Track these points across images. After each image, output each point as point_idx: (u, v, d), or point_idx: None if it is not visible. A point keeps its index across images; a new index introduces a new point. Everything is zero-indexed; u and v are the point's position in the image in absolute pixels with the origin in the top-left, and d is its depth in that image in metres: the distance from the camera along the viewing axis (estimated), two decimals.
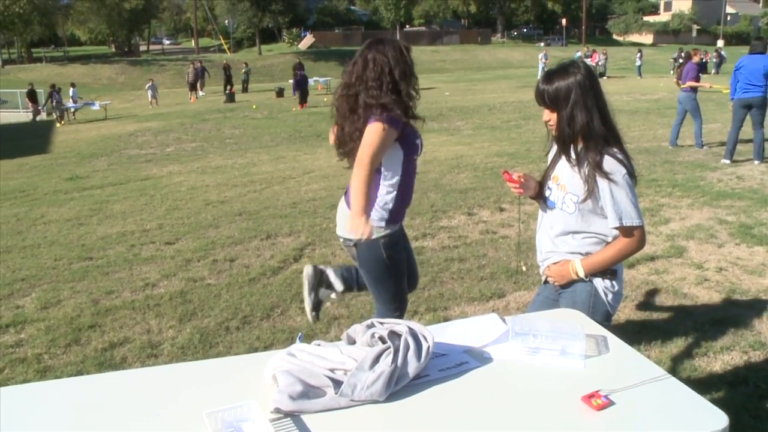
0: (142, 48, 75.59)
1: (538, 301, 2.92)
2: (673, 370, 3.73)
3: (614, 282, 2.63)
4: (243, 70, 36.12)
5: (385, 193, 3.08)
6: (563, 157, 2.61)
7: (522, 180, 2.75)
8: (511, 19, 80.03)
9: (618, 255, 2.55)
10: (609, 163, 2.45)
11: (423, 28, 75.82)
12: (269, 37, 71.41)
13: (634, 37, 77.11)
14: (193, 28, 70.47)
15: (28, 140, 19.78)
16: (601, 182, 2.46)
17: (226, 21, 69.90)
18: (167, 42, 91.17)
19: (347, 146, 3.10)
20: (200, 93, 33.22)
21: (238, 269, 5.92)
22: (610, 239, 2.58)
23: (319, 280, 3.51)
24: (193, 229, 7.51)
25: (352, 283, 3.54)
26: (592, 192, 2.49)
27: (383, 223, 3.09)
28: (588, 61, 34.28)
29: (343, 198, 3.25)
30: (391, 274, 3.20)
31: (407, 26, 76.75)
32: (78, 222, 8.24)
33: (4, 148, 17.87)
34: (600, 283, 2.62)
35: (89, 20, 65.35)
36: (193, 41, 71.29)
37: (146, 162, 13.48)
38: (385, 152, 3.00)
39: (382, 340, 2.09)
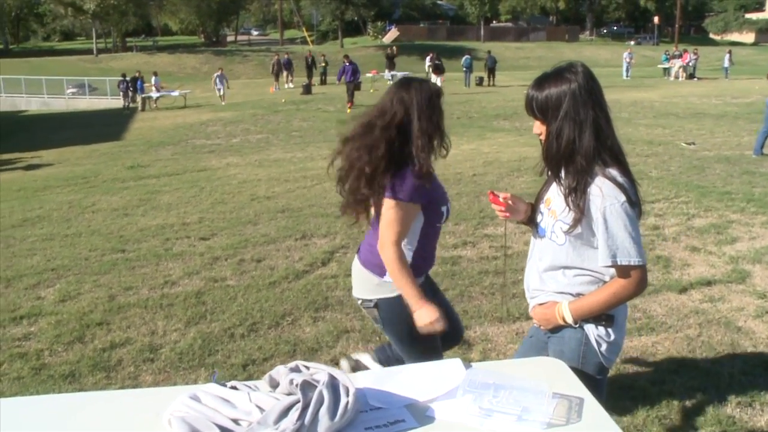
0: (230, 38, 77.32)
1: (526, 344, 2.52)
2: (705, 422, 3.24)
3: (610, 330, 2.21)
4: (321, 63, 36.26)
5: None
6: None
7: (509, 202, 2.36)
8: (601, 17, 77.47)
9: (611, 299, 2.13)
10: (605, 187, 2.04)
11: (509, 24, 74.40)
12: (354, 30, 71.67)
13: (734, 36, 73.02)
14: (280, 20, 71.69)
15: (106, 127, 20.41)
16: (594, 211, 2.06)
17: (311, 13, 70.62)
18: (255, 33, 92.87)
19: (349, 200, 2.69)
20: (289, 85, 33.43)
21: (261, 271, 5.71)
22: (607, 278, 2.17)
23: (355, 369, 3.17)
24: (232, 225, 7.37)
25: (391, 361, 3.12)
26: (578, 221, 2.09)
27: None
28: (678, 61, 32.74)
29: (357, 256, 2.86)
30: (417, 332, 2.78)
31: (493, 22, 75.53)
32: (124, 212, 8.25)
33: (83, 135, 18.47)
34: (592, 331, 2.21)
35: (180, 11, 67.36)
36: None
37: (208, 153, 13.56)
38: (410, 226, 2.63)
39: (303, 386, 1.78)
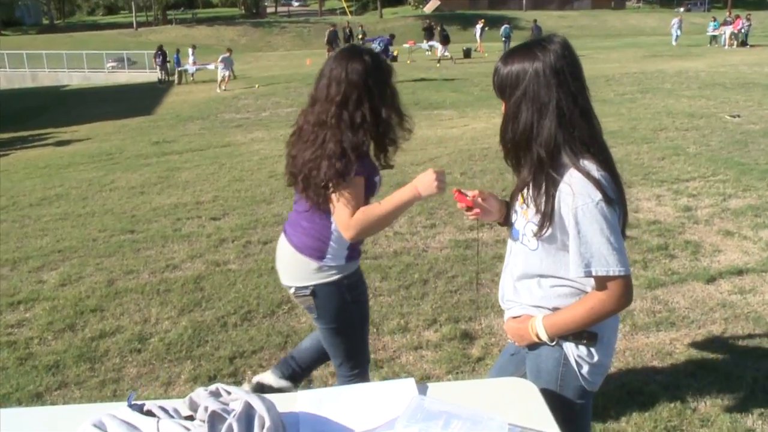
0: (270, 10, 77.10)
1: (501, 361, 2.25)
2: None
3: (592, 349, 1.90)
4: (359, 34, 35.78)
5: (335, 228, 2.44)
6: None
7: (479, 200, 2.06)
8: None
9: (589, 314, 1.81)
10: (575, 183, 1.73)
11: None
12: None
13: None
14: None
15: (140, 101, 20.44)
16: (566, 212, 1.75)
17: None
18: (296, 4, 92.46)
19: (297, 177, 2.43)
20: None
21: (266, 254, 5.51)
22: (589, 289, 1.87)
23: (262, 390, 2.88)
24: (245, 204, 7.19)
25: (297, 372, 2.95)
26: (545, 222, 1.79)
27: (342, 261, 2.49)
28: (728, 28, 31.34)
29: (283, 236, 2.62)
30: (355, 322, 2.62)
31: None
32: (140, 190, 8.15)
33: (117, 109, 18.53)
34: (571, 350, 1.91)
35: None
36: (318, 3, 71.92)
37: (236, 127, 13.42)
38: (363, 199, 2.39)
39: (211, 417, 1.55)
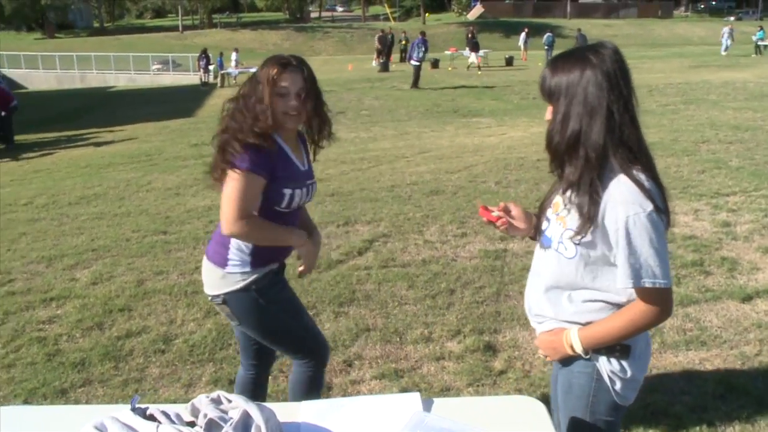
0: (314, 15, 77.77)
1: (553, 390, 2.19)
2: None
3: (625, 363, 1.86)
4: (401, 40, 35.83)
5: None
6: None
7: (508, 214, 2.06)
8: None
9: (629, 326, 1.78)
10: (627, 191, 1.70)
11: (599, 1, 71.49)
12: (439, 6, 70.78)
13: None
14: None
15: (183, 103, 20.76)
16: (614, 220, 1.72)
17: None
18: (340, 9, 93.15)
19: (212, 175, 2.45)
20: (373, 63, 33.09)
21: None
22: (623, 301, 1.83)
23: None
24: None
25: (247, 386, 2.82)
26: (588, 227, 1.76)
27: (248, 268, 2.43)
28: None
29: (206, 254, 2.56)
30: (281, 319, 2.56)
31: None
32: (176, 192, 8.26)
33: (159, 111, 18.85)
34: (605, 366, 1.87)
35: None
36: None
37: None
38: (255, 202, 2.36)
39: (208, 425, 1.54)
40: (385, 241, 5.96)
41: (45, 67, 39.77)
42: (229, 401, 1.63)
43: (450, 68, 28.30)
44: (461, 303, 4.58)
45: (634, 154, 1.75)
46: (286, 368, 3.76)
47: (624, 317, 1.79)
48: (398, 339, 4.08)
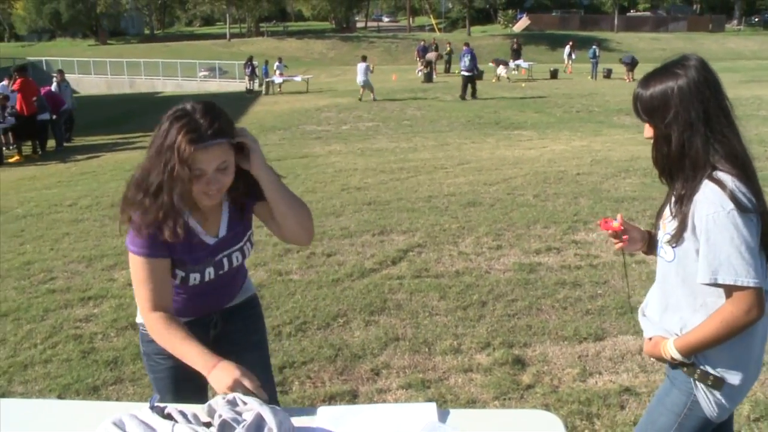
0: (360, 25, 78.36)
1: None
2: None
3: (717, 393, 1.88)
4: (445, 51, 35.86)
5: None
6: None
7: (627, 228, 2.11)
8: (753, 3, 71.46)
9: (721, 328, 1.78)
10: (709, 192, 1.75)
11: (647, 14, 70.47)
12: (485, 18, 70.67)
13: None
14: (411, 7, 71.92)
15: (226, 109, 20.60)
16: (698, 219, 1.77)
17: (440, 0, 70.28)
18: (386, 20, 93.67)
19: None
20: (418, 73, 33.15)
21: (328, 266, 5.55)
22: (719, 304, 1.85)
23: None
24: (315, 216, 7.17)
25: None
26: (680, 229, 1.82)
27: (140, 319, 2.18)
28: None
29: None
30: (151, 374, 2.29)
31: (631, 11, 71.91)
32: None
33: None
34: (702, 391, 1.90)
35: None
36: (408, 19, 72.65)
37: (315, 139, 13.64)
38: (166, 283, 2.00)
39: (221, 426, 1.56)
40: (420, 251, 5.95)
41: (96, 72, 40.91)
42: (245, 403, 1.65)
43: (494, 80, 28.18)
44: (492, 315, 4.54)
45: (730, 158, 1.79)
46: (304, 375, 3.78)
47: (715, 320, 1.81)
48: (427, 349, 4.06)
